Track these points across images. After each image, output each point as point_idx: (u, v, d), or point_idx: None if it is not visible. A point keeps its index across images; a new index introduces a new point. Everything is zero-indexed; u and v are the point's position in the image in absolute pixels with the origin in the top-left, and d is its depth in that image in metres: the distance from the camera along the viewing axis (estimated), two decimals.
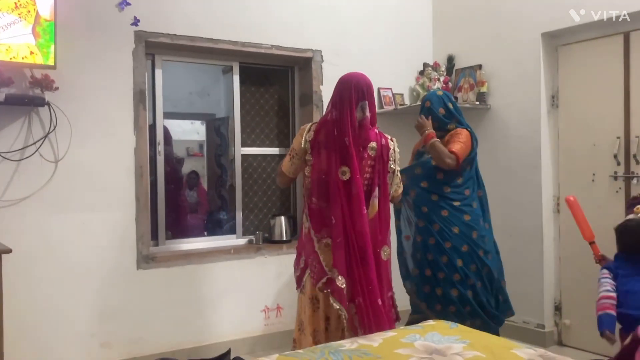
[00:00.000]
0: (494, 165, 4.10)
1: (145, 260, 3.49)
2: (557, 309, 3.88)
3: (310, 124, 2.75)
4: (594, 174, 3.65)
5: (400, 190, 2.89)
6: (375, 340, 2.08)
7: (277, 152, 4.30)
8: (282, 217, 4.13)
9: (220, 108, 6.19)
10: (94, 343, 3.32)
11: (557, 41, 3.84)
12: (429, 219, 3.19)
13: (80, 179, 3.30)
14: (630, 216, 2.90)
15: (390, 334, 2.17)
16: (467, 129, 3.24)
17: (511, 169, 4.01)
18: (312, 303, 2.67)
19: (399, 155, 2.81)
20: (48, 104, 3.15)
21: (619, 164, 3.52)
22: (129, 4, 3.41)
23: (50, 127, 3.19)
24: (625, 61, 3.46)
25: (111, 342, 3.37)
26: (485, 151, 4.15)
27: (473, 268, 3.14)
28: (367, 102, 2.67)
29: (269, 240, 4.11)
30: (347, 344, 2.05)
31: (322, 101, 4.12)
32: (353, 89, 2.66)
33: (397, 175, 2.81)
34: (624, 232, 2.86)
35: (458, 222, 3.14)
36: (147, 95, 3.57)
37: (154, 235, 3.72)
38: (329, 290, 2.60)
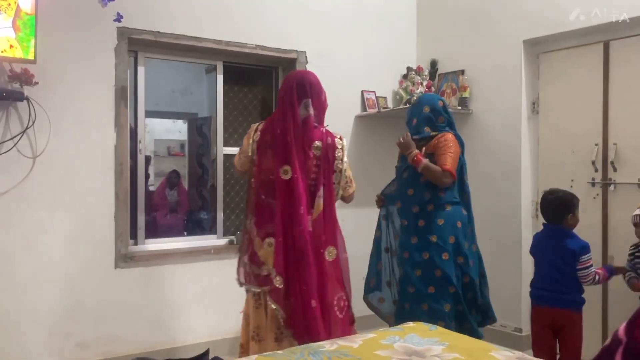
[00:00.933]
0: (475, 169, 4.12)
1: (124, 259, 3.45)
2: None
3: (258, 123, 2.73)
4: (572, 180, 3.70)
5: (352, 189, 2.81)
6: (355, 341, 2.08)
7: None
8: None
9: (203, 107, 6.17)
10: (70, 342, 3.27)
11: (538, 48, 3.89)
12: (410, 230, 3.17)
13: (58, 176, 3.25)
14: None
15: (370, 335, 2.17)
16: (452, 133, 3.17)
17: (491, 174, 4.05)
18: (255, 300, 2.66)
19: (345, 153, 2.73)
20: (27, 98, 3.10)
21: (596, 170, 3.57)
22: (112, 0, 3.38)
23: (28, 122, 3.14)
24: (605, 70, 3.52)
25: (87, 341, 3.32)
26: (466, 155, 4.16)
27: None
28: (310, 99, 2.62)
29: None
30: (327, 344, 2.05)
31: None
32: (295, 87, 2.61)
33: (347, 175, 2.75)
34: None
35: (436, 229, 3.08)
36: (128, 92, 3.53)
37: (133, 234, 3.68)
38: (266, 289, 2.58)
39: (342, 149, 2.71)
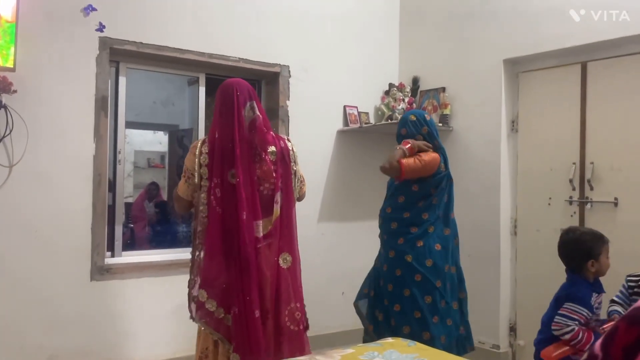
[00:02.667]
0: (455, 185, 4.16)
1: (100, 271, 3.39)
2: (512, 329, 3.95)
3: (199, 142, 2.55)
4: (550, 198, 3.75)
5: (305, 188, 2.77)
6: (334, 357, 2.06)
7: None
8: None
9: (184, 119, 6.14)
10: (42, 356, 3.19)
11: (518, 68, 3.96)
12: (387, 246, 3.13)
13: (34, 185, 3.19)
14: None
15: (348, 350, 2.16)
16: (436, 152, 3.09)
17: (471, 190, 4.09)
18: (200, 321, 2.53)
19: (297, 155, 2.67)
20: (5, 107, 3.05)
21: (574, 188, 3.63)
22: (94, 9, 3.35)
23: (5, 131, 3.09)
24: (582, 90, 3.59)
25: (60, 354, 3.24)
26: None
27: (428, 299, 2.96)
28: (254, 101, 2.55)
29: None
30: (305, 359, 2.03)
31: (289, 116, 4.13)
32: (236, 91, 2.53)
33: (300, 175, 2.69)
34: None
35: (411, 250, 3.00)
36: (109, 102, 3.50)
37: (110, 246, 3.62)
38: (199, 316, 2.47)
39: (293, 150, 2.64)
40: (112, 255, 3.62)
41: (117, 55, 3.55)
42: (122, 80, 3.68)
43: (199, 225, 2.52)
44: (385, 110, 4.44)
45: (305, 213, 4.21)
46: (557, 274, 3.62)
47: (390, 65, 4.68)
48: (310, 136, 4.24)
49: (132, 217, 5.73)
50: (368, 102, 4.54)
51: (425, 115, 3.21)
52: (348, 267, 3.62)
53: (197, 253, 2.53)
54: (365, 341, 3.12)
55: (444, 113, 4.24)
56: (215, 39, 3.82)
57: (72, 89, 3.31)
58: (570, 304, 2.49)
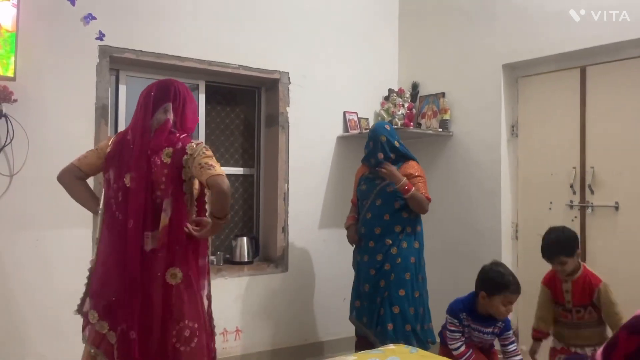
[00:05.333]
0: (455, 191, 4.17)
1: None
2: (514, 334, 3.92)
3: (114, 136, 2.46)
4: (551, 202, 3.74)
5: (209, 174, 2.23)
6: None
7: (242, 172, 4.27)
8: (245, 238, 4.08)
9: None
10: None
11: (517, 73, 3.96)
12: (374, 250, 3.38)
13: (36, 195, 3.19)
14: None
15: (350, 357, 2.15)
16: (414, 160, 3.44)
17: (471, 196, 4.08)
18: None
19: (200, 154, 2.27)
20: (5, 116, 3.06)
21: (574, 193, 3.62)
22: (94, 18, 3.36)
23: (6, 140, 3.09)
24: (582, 94, 3.59)
25: None
26: (447, 177, 4.23)
27: (401, 292, 3.29)
28: (170, 103, 2.36)
29: (230, 262, 4.05)
30: None
31: (288, 122, 4.13)
32: (156, 90, 2.38)
33: (199, 165, 2.24)
34: None
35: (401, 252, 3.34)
36: (109, 111, 3.50)
37: None
38: (96, 349, 2.27)
39: (192, 154, 2.28)
40: None
41: (116, 63, 3.56)
42: (122, 89, 3.69)
43: (97, 229, 2.38)
44: (385, 115, 4.44)
45: (306, 220, 4.22)
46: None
47: (390, 70, 4.69)
48: (310, 142, 4.24)
49: None
50: (368, 107, 4.54)
51: (386, 126, 3.49)
52: (349, 274, 3.61)
53: (92, 258, 2.38)
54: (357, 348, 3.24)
55: (444, 118, 4.25)
56: (215, 46, 3.83)
57: (73, 98, 3.32)
58: (448, 315, 2.83)
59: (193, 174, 2.29)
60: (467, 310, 2.79)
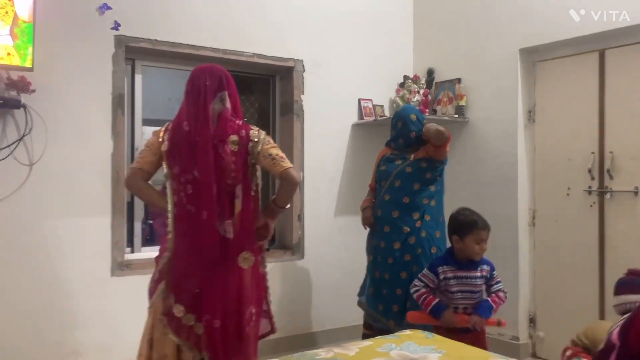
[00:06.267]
0: (471, 177, 4.15)
1: (120, 267, 3.43)
2: (532, 321, 3.92)
3: (162, 130, 2.47)
4: (569, 188, 3.71)
5: (282, 167, 2.39)
6: (351, 349, 2.07)
7: None
8: None
9: None
10: (64, 351, 3.25)
11: (534, 57, 3.91)
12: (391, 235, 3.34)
13: (54, 183, 3.24)
14: None
15: (366, 343, 2.17)
16: None
17: (488, 182, 4.06)
18: (162, 324, 2.41)
19: (264, 142, 2.42)
20: (24, 106, 3.10)
21: (593, 178, 3.58)
22: (109, 8, 3.38)
23: (25, 130, 3.14)
24: (601, 78, 3.54)
25: (80, 350, 3.29)
26: (463, 164, 4.20)
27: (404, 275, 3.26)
28: (226, 92, 2.43)
29: None
30: (323, 352, 2.04)
31: (303, 110, 4.13)
32: (205, 80, 2.40)
33: (268, 156, 2.40)
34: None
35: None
36: (125, 100, 3.53)
37: (130, 242, 3.66)
38: (166, 320, 2.37)
39: (256, 141, 2.40)
40: (132, 251, 3.67)
41: (132, 53, 3.58)
42: (138, 78, 3.72)
43: (170, 224, 2.41)
44: (400, 102, 4.42)
45: (322, 207, 4.22)
46: (576, 264, 3.61)
47: (405, 57, 4.66)
48: (325, 130, 4.24)
49: (150, 214, 5.78)
50: (383, 94, 4.52)
51: (415, 107, 3.53)
52: (364, 262, 3.62)
53: (166, 253, 2.42)
54: (365, 337, 3.24)
55: (460, 104, 4.21)
56: (230, 34, 3.83)
57: (89, 88, 3.35)
58: (425, 270, 2.88)
59: (260, 162, 2.41)
60: (449, 262, 2.83)
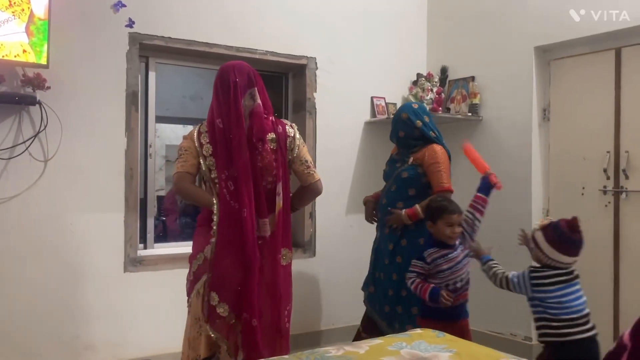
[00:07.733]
0: None
1: (133, 263, 3.46)
2: None
3: (196, 131, 2.51)
4: (583, 188, 3.67)
5: (313, 179, 2.54)
6: (362, 347, 2.07)
7: None
8: None
9: None
10: (78, 346, 3.29)
11: (549, 55, 3.87)
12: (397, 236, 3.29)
13: (69, 179, 3.27)
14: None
15: (377, 341, 2.16)
16: (441, 145, 3.25)
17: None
18: (198, 324, 2.45)
19: (300, 142, 2.53)
20: (39, 103, 3.13)
21: (608, 178, 3.54)
22: (124, 5, 3.40)
23: (40, 126, 3.17)
24: (617, 77, 3.50)
25: (95, 345, 3.33)
26: None
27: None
28: (255, 88, 2.45)
29: None
30: (334, 350, 2.04)
31: (315, 108, 4.13)
32: (234, 77, 2.41)
33: (304, 162, 2.52)
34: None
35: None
36: (139, 97, 3.56)
37: (143, 238, 3.69)
38: (207, 318, 2.38)
39: (293, 137, 2.49)
40: (145, 247, 3.70)
41: (146, 50, 3.61)
42: (152, 75, 3.74)
43: (215, 221, 2.41)
44: (413, 100, 4.40)
45: (333, 205, 4.22)
46: (588, 263, 3.54)
47: (418, 54, 4.63)
48: (338, 128, 4.23)
49: (163, 210, 5.83)
50: (396, 92, 4.50)
51: (413, 105, 3.35)
52: None
53: (208, 249, 2.43)
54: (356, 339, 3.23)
55: (474, 102, 4.18)
56: (243, 32, 3.84)
57: (104, 85, 3.38)
58: (413, 260, 2.94)
59: (294, 164, 2.48)
60: (432, 246, 2.92)
